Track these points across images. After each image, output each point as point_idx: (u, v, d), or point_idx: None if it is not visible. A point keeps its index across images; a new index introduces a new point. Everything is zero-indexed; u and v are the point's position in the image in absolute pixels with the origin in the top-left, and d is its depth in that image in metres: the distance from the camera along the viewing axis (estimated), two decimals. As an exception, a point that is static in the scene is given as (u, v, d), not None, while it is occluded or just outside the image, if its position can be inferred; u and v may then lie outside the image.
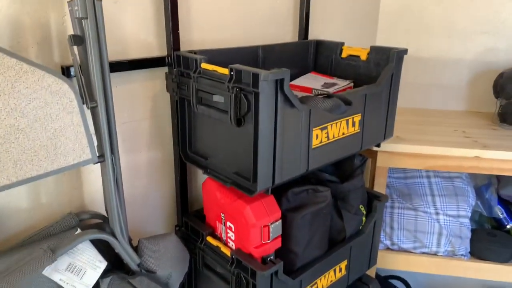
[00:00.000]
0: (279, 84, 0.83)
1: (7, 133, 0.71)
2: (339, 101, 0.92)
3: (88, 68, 0.80)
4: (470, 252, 1.50)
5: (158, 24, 1.03)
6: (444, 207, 1.49)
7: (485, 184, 1.64)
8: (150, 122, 1.09)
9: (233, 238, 1.02)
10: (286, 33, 1.35)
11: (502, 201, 1.62)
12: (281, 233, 1.00)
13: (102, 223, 0.95)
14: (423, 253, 1.50)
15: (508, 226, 1.60)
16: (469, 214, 1.50)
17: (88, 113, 0.83)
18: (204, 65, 0.93)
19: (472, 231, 1.52)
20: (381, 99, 1.12)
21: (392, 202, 1.53)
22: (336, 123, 1.02)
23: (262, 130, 0.84)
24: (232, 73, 0.85)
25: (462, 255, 1.49)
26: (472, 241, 1.50)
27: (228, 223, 1.02)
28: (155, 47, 1.05)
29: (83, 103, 0.80)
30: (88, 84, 0.82)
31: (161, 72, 1.07)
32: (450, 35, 1.67)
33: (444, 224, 1.47)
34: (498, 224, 1.62)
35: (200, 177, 1.23)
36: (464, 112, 1.71)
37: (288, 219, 1.03)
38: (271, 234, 0.97)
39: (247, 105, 0.85)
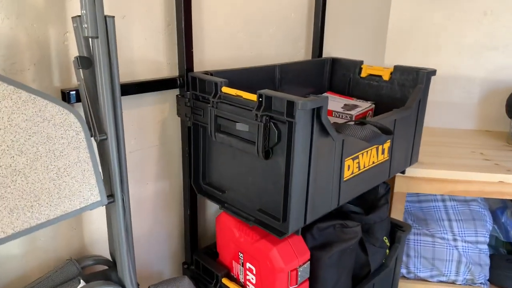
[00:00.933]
0: (315, 113, 0.74)
1: (3, 175, 0.58)
2: (377, 130, 0.83)
3: (96, 95, 0.69)
4: (488, 280, 1.43)
5: (169, 41, 0.92)
6: (462, 233, 1.41)
7: (500, 207, 1.58)
8: (158, 150, 0.97)
9: (253, 281, 0.91)
10: (299, 51, 1.26)
11: (518, 225, 1.56)
12: (309, 275, 0.89)
13: (107, 270, 0.82)
14: (441, 281, 1.42)
15: (525, 251, 1.54)
16: (488, 240, 1.43)
17: (95, 146, 0.71)
18: (226, 89, 0.82)
19: (490, 257, 1.45)
20: (410, 123, 1.04)
21: (408, 228, 1.44)
22: (367, 151, 0.92)
23: (296, 163, 0.74)
24: (261, 99, 0.75)
25: (481, 283, 1.41)
26: (490, 268, 1.43)
27: (248, 265, 0.91)
28: (165, 67, 0.94)
29: (91, 136, 0.68)
30: (96, 113, 0.70)
31: (171, 95, 0.96)
32: (460, 52, 1.62)
33: (463, 251, 1.40)
34: (515, 249, 1.56)
35: (210, 210, 1.12)
36: (475, 131, 1.65)
37: (314, 259, 0.92)
38: (299, 278, 0.86)
39: (278, 136, 0.75)
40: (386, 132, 0.83)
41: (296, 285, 0.86)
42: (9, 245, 0.78)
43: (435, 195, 1.48)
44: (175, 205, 1.05)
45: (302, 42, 1.27)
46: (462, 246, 1.40)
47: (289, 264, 0.84)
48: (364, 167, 0.93)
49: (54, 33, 0.74)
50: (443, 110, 1.68)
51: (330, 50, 1.40)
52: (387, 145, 0.99)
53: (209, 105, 0.85)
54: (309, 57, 1.29)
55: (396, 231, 1.16)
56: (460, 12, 1.58)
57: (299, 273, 0.86)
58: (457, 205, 1.47)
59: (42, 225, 0.63)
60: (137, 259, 1.01)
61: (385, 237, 1.12)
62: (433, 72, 1.05)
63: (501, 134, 1.61)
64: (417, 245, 1.42)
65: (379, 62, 1.67)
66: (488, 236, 1.43)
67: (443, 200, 1.48)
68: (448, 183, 1.28)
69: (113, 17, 0.66)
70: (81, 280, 0.75)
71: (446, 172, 1.27)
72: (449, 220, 1.44)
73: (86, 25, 0.64)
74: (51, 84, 0.76)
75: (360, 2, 1.46)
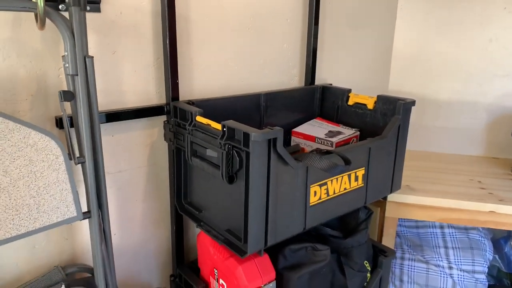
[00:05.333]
0: (271, 143, 0.80)
1: (-12, 192, 0.69)
2: (337, 160, 0.88)
3: (78, 123, 0.79)
4: (487, 311, 1.40)
5: (158, 73, 1.02)
6: (458, 261, 1.40)
7: (504, 237, 1.55)
8: (147, 170, 1.07)
9: (225, 296, 0.97)
10: (293, 78, 1.33)
11: (522, 256, 1.52)
12: (275, 294, 0.94)
13: (90, 277, 0.92)
14: (435, 309, 1.41)
15: (529, 283, 1.50)
16: (486, 270, 1.40)
17: (77, 166, 0.81)
18: (199, 118, 0.91)
19: (490, 287, 1.42)
20: (387, 151, 1.07)
21: (403, 253, 1.45)
22: (337, 178, 0.97)
23: (253, 189, 0.81)
24: (224, 129, 0.83)
25: (478, 314, 1.39)
26: (489, 299, 1.40)
27: (221, 281, 0.97)
28: (154, 95, 1.04)
29: (70, 159, 0.78)
30: (79, 138, 0.81)
31: (160, 120, 1.06)
32: (466, 78, 1.61)
33: (458, 280, 1.38)
34: (519, 281, 1.52)
35: (198, 225, 1.20)
36: (481, 158, 1.63)
37: (285, 279, 0.97)
38: (264, 296, 0.92)
39: (239, 162, 0.82)
40: (346, 161, 0.88)
41: (262, 303, 0.92)
42: (6, 251, 0.89)
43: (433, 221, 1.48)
44: (164, 221, 1.14)
45: (296, 70, 1.34)
46: (458, 275, 1.39)
47: (253, 282, 0.90)
48: (335, 193, 0.98)
49: (49, 69, 0.86)
50: (449, 135, 1.68)
51: (331, 75, 1.46)
52: (361, 172, 1.03)
53: (186, 131, 0.94)
54: (303, 84, 1.36)
55: (379, 255, 1.18)
56: (466, 40, 1.58)
57: (263, 291, 0.91)
58: (455, 232, 1.46)
59: (22, 235, 0.73)
60: (127, 270, 1.10)
61: (365, 262, 1.15)
62: (412, 103, 1.08)
63: (507, 162, 1.58)
64: (411, 271, 1.42)
65: (384, 88, 1.70)
66: (486, 266, 1.41)
67: (441, 227, 1.48)
68: (440, 210, 1.29)
69: (92, 57, 0.77)
70: (63, 285, 0.85)
71: (437, 199, 1.27)
72: (446, 247, 1.43)
73: (67, 65, 0.75)
74: (46, 111, 0.88)
75: (363, 27, 1.51)
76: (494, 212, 1.24)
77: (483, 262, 1.40)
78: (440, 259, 1.41)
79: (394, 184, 1.14)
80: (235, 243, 0.89)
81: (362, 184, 1.04)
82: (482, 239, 1.45)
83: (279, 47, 1.26)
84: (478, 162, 1.59)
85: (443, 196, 1.28)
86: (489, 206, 1.23)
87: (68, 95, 0.77)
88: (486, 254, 1.42)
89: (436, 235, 1.46)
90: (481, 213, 1.25)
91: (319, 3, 1.27)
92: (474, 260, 1.40)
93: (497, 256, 1.52)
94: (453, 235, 1.45)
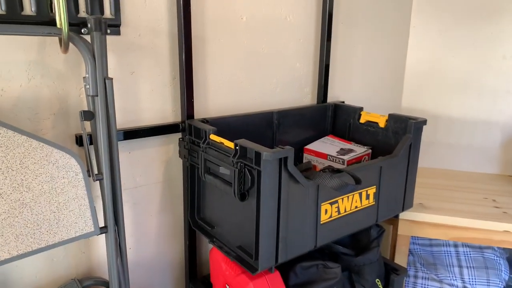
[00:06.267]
0: (283, 162, 0.82)
1: (12, 207, 0.73)
2: (348, 179, 0.89)
3: (97, 141, 0.83)
4: (503, 333, 1.38)
5: (174, 91, 1.06)
6: (472, 281, 1.38)
7: (521, 257, 1.52)
8: (162, 185, 1.09)
9: (237, 312, 0.98)
10: (306, 95, 1.35)
11: (540, 277, 1.49)
12: (286, 311, 0.95)
13: (105, 290, 0.94)
14: (450, 330, 1.39)
15: (547, 305, 1.46)
16: (502, 290, 1.38)
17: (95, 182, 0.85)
18: (213, 137, 0.93)
19: (506, 308, 1.40)
20: (398, 170, 1.08)
21: (416, 271, 1.44)
22: (348, 196, 0.98)
23: (264, 207, 0.83)
24: (237, 148, 0.85)
25: (494, 335, 1.36)
26: (505, 320, 1.38)
27: (233, 296, 0.99)
28: (170, 113, 1.07)
29: (89, 176, 0.82)
30: (98, 155, 0.84)
31: (175, 137, 1.09)
32: (480, 95, 1.61)
33: (473, 300, 1.36)
34: (536, 302, 1.49)
35: (211, 240, 1.22)
36: (496, 176, 1.62)
37: (295, 296, 0.98)
38: (274, 313, 0.92)
39: (251, 180, 0.84)
40: (356, 180, 0.89)
41: (272, 319, 0.93)
42: (25, 263, 0.92)
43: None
44: (178, 236, 1.16)
45: (309, 88, 1.36)
46: (472, 295, 1.37)
47: (264, 299, 0.91)
48: (346, 212, 0.99)
49: (71, 89, 0.90)
50: (463, 153, 1.67)
51: (342, 93, 1.48)
52: (372, 190, 1.04)
53: (200, 149, 0.97)
54: (315, 101, 1.38)
55: (391, 274, 1.18)
56: (479, 57, 1.59)
57: (274, 308, 0.92)
58: (470, 251, 1.45)
59: (42, 249, 0.76)
60: (141, 284, 1.13)
61: (377, 280, 1.15)
62: (423, 122, 1.09)
63: (523, 180, 1.57)
64: (425, 289, 1.41)
65: (397, 104, 1.70)
66: (502, 286, 1.39)
67: (456, 246, 1.46)
68: (453, 229, 1.28)
69: (111, 79, 0.80)
70: (79, 298, 0.88)
71: (450, 218, 1.27)
72: (460, 266, 1.42)
73: (88, 86, 0.79)
74: (67, 129, 0.92)
75: (376, 45, 1.53)
76: (509, 231, 1.22)
77: (498, 282, 1.38)
78: (454, 278, 1.39)
79: (406, 202, 1.15)
80: (246, 260, 0.90)
81: (374, 203, 1.05)
82: (498, 258, 1.43)
83: (292, 66, 1.29)
84: (493, 180, 1.57)
85: (457, 214, 1.27)
86: (504, 225, 1.22)
87: (88, 115, 0.81)
88: (502, 274, 1.40)
89: (450, 253, 1.45)
90: (496, 232, 1.24)
91: (331, 21, 1.30)
92: (489, 280, 1.38)
93: (513, 276, 1.49)
94: (467, 254, 1.44)
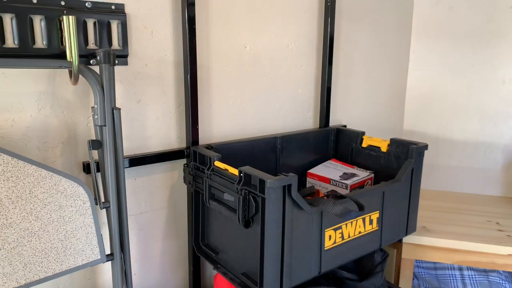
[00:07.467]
0: (286, 189, 0.83)
1: (21, 236, 0.74)
2: (351, 205, 0.90)
3: (104, 169, 0.84)
4: None
5: (179, 118, 1.08)
6: (479, 305, 1.37)
7: (527, 280, 1.51)
8: (167, 211, 1.11)
9: None
10: (308, 120, 1.38)
11: (546, 300, 1.48)
12: (291, 338, 0.95)
13: (110, 318, 0.94)
14: None
15: (555, 330, 1.44)
16: (508, 315, 1.37)
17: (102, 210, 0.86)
18: (217, 163, 0.95)
19: (513, 333, 1.38)
20: (401, 195, 1.09)
21: (421, 296, 1.43)
22: (352, 222, 0.99)
23: (269, 233, 0.83)
24: (241, 175, 0.87)
25: None
26: None
27: (237, 323, 0.99)
28: (175, 140, 1.09)
29: (96, 204, 0.83)
30: (105, 183, 0.86)
31: (180, 163, 1.11)
32: (481, 118, 1.63)
33: (480, 325, 1.35)
34: (544, 326, 1.47)
35: (215, 265, 1.22)
36: (499, 198, 1.62)
37: (300, 322, 0.98)
38: None
39: (255, 207, 0.85)
40: (359, 207, 0.90)
41: None
42: (33, 290, 0.93)
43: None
44: (182, 262, 1.16)
45: (311, 113, 1.38)
46: (479, 319, 1.36)
47: (269, 326, 0.90)
48: (349, 237, 1.00)
49: (79, 118, 0.93)
50: (465, 175, 1.68)
51: (344, 116, 1.50)
52: (375, 215, 1.04)
53: (205, 175, 0.98)
54: (317, 126, 1.40)
55: (396, 299, 1.18)
56: (479, 81, 1.61)
57: (279, 335, 0.92)
58: (475, 275, 1.44)
59: (49, 278, 0.77)
60: (145, 309, 1.13)
61: (382, 305, 1.14)
62: (424, 147, 1.11)
63: (527, 202, 1.57)
64: (430, 314, 1.40)
65: (399, 127, 1.72)
66: (508, 310, 1.37)
67: (460, 269, 1.46)
68: (457, 252, 1.28)
69: (119, 109, 0.83)
70: (85, 326, 0.88)
71: (454, 241, 1.27)
72: (465, 290, 1.41)
73: (96, 116, 0.81)
74: (75, 157, 0.94)
75: (377, 69, 1.56)
76: (513, 255, 1.22)
77: (504, 307, 1.37)
78: (459, 302, 1.38)
79: (409, 226, 1.15)
80: (251, 287, 0.91)
81: (377, 228, 1.06)
82: (503, 282, 1.42)
83: (294, 92, 1.32)
84: (495, 202, 1.57)
85: (460, 238, 1.27)
86: (508, 249, 1.22)
87: (96, 144, 0.83)
88: (508, 298, 1.39)
89: (455, 277, 1.44)
90: (500, 256, 1.24)
91: (332, 47, 1.33)
92: (495, 304, 1.37)
93: (519, 300, 1.48)
94: (472, 277, 1.43)
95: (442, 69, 1.65)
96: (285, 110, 1.31)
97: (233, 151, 1.12)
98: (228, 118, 1.18)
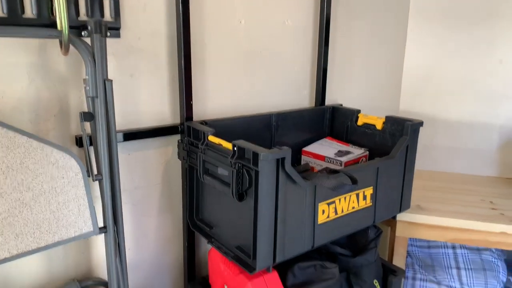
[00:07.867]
0: (280, 163, 0.83)
1: (12, 207, 0.74)
2: (344, 179, 0.90)
3: (96, 142, 0.84)
4: (501, 335, 1.38)
5: (173, 94, 1.07)
6: (470, 283, 1.39)
7: (520, 258, 1.53)
8: (161, 187, 1.10)
9: (235, 312, 0.99)
10: (304, 98, 1.37)
11: (538, 278, 1.50)
12: (284, 311, 0.96)
13: (104, 291, 0.95)
14: (448, 331, 1.40)
15: (545, 307, 1.47)
16: (499, 292, 1.39)
17: (94, 182, 0.86)
18: (211, 138, 0.94)
19: (504, 310, 1.40)
20: (395, 171, 1.09)
21: (414, 273, 1.44)
22: (345, 197, 0.99)
23: (262, 207, 0.83)
24: (235, 149, 0.86)
25: (492, 337, 1.37)
26: (503, 322, 1.38)
27: (231, 296, 0.99)
28: (169, 115, 1.08)
29: (89, 176, 0.83)
30: (97, 156, 0.85)
31: (174, 139, 1.10)
32: (477, 99, 1.62)
33: (471, 302, 1.37)
34: (534, 304, 1.49)
35: (210, 241, 1.22)
36: (494, 178, 1.63)
37: (293, 296, 0.99)
38: (272, 313, 0.93)
39: (249, 181, 0.85)
40: (353, 181, 0.90)
41: (270, 320, 0.93)
42: (25, 264, 0.93)
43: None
44: (177, 237, 1.17)
45: (307, 91, 1.37)
46: (470, 296, 1.37)
47: (262, 299, 0.91)
48: (343, 212, 1.00)
49: (71, 91, 0.92)
50: (461, 155, 1.68)
51: (341, 95, 1.49)
52: (369, 191, 1.05)
53: (198, 150, 0.98)
54: (313, 104, 1.39)
55: (389, 275, 1.19)
56: (476, 61, 1.60)
57: (272, 308, 0.93)
58: (467, 253, 1.45)
59: (41, 248, 0.77)
60: (140, 284, 1.13)
61: (375, 281, 1.15)
62: (419, 124, 1.10)
63: (521, 183, 1.57)
64: (423, 291, 1.41)
65: (395, 107, 1.72)
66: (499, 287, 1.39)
67: (454, 247, 1.47)
68: (450, 230, 1.28)
69: (111, 80, 0.82)
70: (78, 298, 0.88)
71: (447, 219, 1.28)
72: (458, 268, 1.42)
73: (88, 87, 0.80)
74: (67, 131, 0.93)
75: (374, 48, 1.54)
76: (506, 233, 1.23)
77: (496, 284, 1.38)
78: (452, 280, 1.40)
79: (403, 203, 1.16)
80: (244, 260, 0.91)
81: (371, 204, 1.06)
82: (495, 260, 1.43)
83: (290, 70, 1.30)
84: (490, 183, 1.58)
85: (454, 216, 1.28)
86: (501, 227, 1.23)
87: (88, 116, 0.82)
88: (500, 276, 1.41)
89: (448, 255, 1.45)
90: (492, 233, 1.24)
91: (329, 25, 1.31)
92: (487, 281, 1.38)
93: (511, 278, 1.49)
94: (465, 255, 1.44)
95: (439, 48, 1.63)
96: (281, 88, 1.30)
97: (228, 128, 1.11)
98: (223, 95, 1.17)
